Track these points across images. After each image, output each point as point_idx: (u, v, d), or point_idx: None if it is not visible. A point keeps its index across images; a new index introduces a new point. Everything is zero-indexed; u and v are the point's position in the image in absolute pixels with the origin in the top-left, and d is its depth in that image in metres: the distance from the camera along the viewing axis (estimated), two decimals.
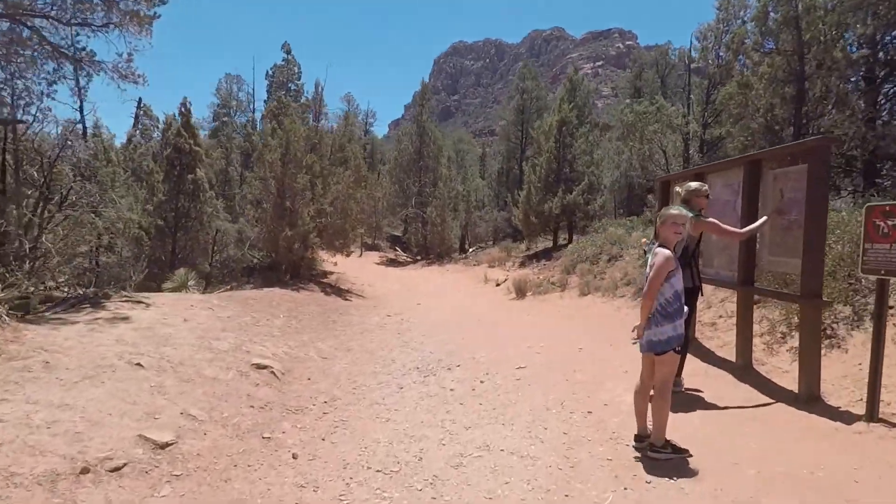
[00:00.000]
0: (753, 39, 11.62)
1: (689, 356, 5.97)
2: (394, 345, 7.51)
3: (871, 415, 3.69)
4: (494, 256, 21.42)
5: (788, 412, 4.18)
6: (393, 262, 27.98)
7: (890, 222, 3.55)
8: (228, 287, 11.47)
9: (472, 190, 31.09)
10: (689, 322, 4.86)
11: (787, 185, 4.69)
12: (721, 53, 16.67)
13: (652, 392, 3.61)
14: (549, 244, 20.06)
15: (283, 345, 6.62)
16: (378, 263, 27.76)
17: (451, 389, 5.33)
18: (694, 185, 4.75)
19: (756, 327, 5.86)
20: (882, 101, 11.26)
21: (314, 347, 6.92)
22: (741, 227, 5.19)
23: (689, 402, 4.61)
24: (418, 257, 27.71)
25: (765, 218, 4.61)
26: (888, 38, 11.58)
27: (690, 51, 18.01)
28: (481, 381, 5.58)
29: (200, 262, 14.22)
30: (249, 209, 12.53)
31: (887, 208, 3.57)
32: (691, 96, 17.40)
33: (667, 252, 3.46)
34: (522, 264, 18.08)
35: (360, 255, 30.89)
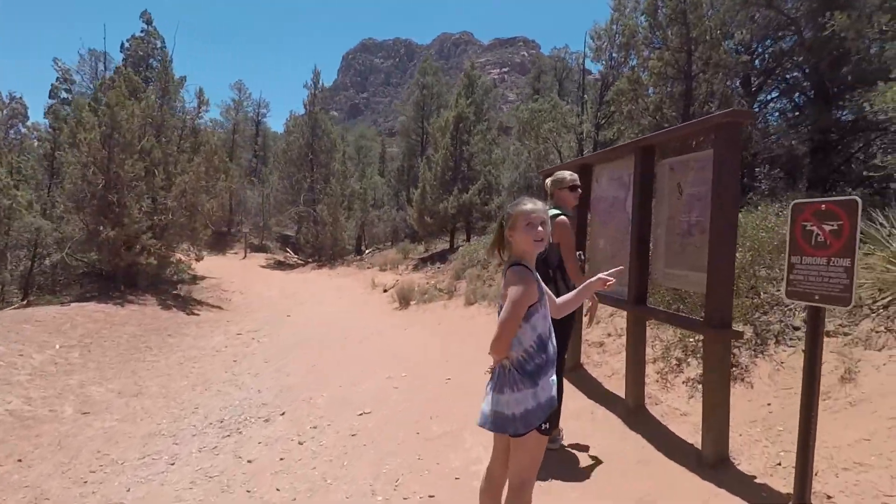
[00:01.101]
0: (644, 34, 11.14)
1: (573, 389, 4.84)
2: (215, 380, 5.74)
3: (802, 500, 2.63)
4: (389, 259, 19.93)
5: (691, 485, 3.06)
6: (281, 265, 25.54)
7: (828, 227, 2.49)
8: (24, 302, 8.89)
9: (370, 188, 29.31)
10: (560, 369, 3.66)
11: (686, 178, 3.63)
12: (615, 55, 16.48)
13: (505, 491, 2.29)
14: (447, 246, 18.95)
15: (22, 395, 4.61)
16: (263, 266, 25.17)
17: (249, 461, 3.73)
18: (559, 174, 3.58)
19: (648, 350, 4.85)
20: (756, 109, 11.23)
21: (80, 395, 4.97)
22: (631, 231, 4.10)
23: (568, 467, 3.40)
24: (310, 259, 25.50)
25: (620, 268, 3.41)
26: (761, 47, 11.62)
27: (585, 50, 17.69)
28: (301, 442, 4.03)
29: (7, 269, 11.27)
30: (67, 202, 9.94)
31: (823, 207, 2.52)
32: (585, 96, 17.06)
33: (524, 272, 2.16)
34: (416, 267, 16.75)
35: (244, 256, 27.95)
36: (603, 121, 16.39)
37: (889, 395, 3.24)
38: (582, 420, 4.22)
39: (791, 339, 4.18)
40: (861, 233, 5.28)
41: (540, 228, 2.21)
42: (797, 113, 8.54)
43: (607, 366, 5.18)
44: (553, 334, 2.26)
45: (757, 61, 11.78)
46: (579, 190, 3.58)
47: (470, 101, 20.79)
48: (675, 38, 10.74)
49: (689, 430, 3.78)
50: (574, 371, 5.22)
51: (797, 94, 9.58)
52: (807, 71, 8.64)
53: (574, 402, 4.52)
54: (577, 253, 3.79)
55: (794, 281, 2.67)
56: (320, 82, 26.01)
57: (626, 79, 11.10)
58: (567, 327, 3.50)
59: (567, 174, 3.60)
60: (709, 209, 3.27)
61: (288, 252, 28.59)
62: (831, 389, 3.57)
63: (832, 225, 2.48)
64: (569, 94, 25.55)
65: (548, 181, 3.70)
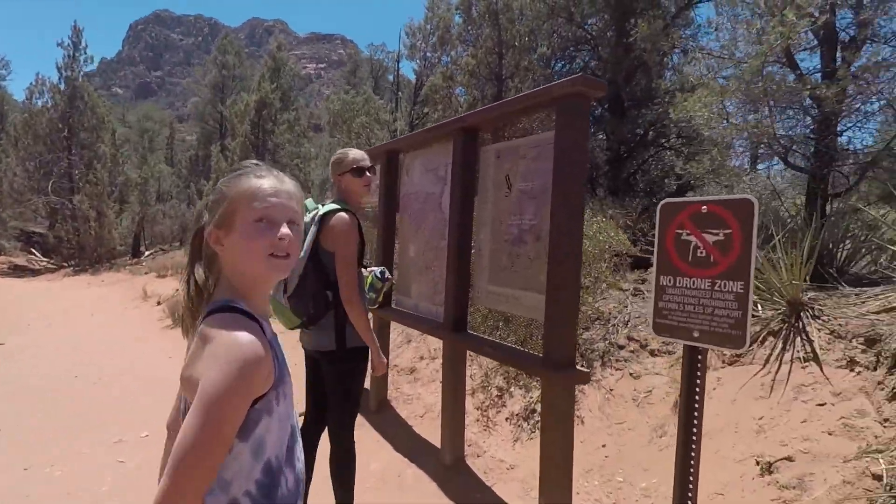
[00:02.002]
0: (458, 31, 10.78)
1: (379, 439, 3.75)
2: None
3: None
4: (174, 262, 16.65)
5: None
6: (20, 271, 19.85)
7: (711, 237, 1.78)
8: None
9: (154, 177, 24.70)
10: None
11: (517, 169, 2.80)
12: (429, 54, 16.16)
13: None
14: None
15: None
16: None
17: None
18: (340, 152, 2.48)
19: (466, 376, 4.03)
20: None
21: None
22: (448, 237, 3.16)
23: None
24: (67, 263, 20.27)
25: (374, 341, 2.43)
26: (563, 60, 12.25)
27: (400, 47, 17.09)
28: None
29: None
30: None
31: (704, 209, 1.81)
32: (399, 93, 16.42)
33: (240, 325, 0.95)
34: None
35: None
36: (417, 121, 15.94)
37: (726, 428, 2.83)
38: (388, 487, 3.15)
39: (618, 361, 3.71)
40: None
41: (285, 230, 1.03)
42: (596, 124, 8.88)
43: (419, 401, 4.22)
44: (298, 444, 1.10)
45: (556, 78, 12.37)
46: (369, 174, 2.47)
47: (276, 86, 18.66)
48: (487, 40, 10.58)
49: (518, 490, 2.98)
50: (380, 412, 4.14)
51: (595, 107, 10.10)
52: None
53: (379, 458, 3.43)
54: (374, 270, 2.69)
55: (664, 311, 1.93)
56: (82, 42, 20.86)
57: (441, 75, 10.59)
58: (351, 379, 2.37)
59: (352, 152, 2.47)
60: (547, 209, 2.45)
61: (34, 254, 22.47)
62: (665, 422, 3.09)
63: (717, 234, 1.78)
64: (384, 91, 24.90)
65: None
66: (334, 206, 2.33)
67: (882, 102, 4.76)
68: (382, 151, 4.22)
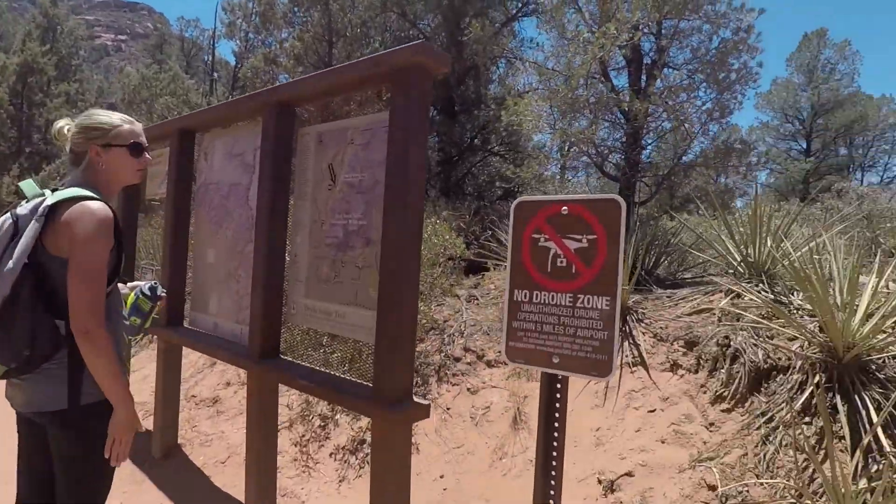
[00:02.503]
0: (283, 10, 9.78)
1: (164, 500, 2.89)
2: None
3: None
4: None
5: None
6: None
7: (573, 243, 1.49)
8: None
9: None
10: None
11: (343, 157, 2.28)
12: (251, 34, 14.62)
13: None
14: None
15: None
16: None
17: None
18: (98, 114, 1.72)
19: (280, 404, 3.41)
20: None
21: None
22: (256, 239, 2.50)
23: None
24: None
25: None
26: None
27: (216, 24, 15.19)
28: None
29: None
30: None
31: (565, 210, 1.52)
32: (215, 74, 14.58)
33: None
34: None
35: None
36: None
37: (570, 444, 2.70)
38: None
39: (454, 375, 3.42)
40: (498, 241, 5.16)
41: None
42: (430, 126, 8.77)
43: (222, 441, 3.41)
44: None
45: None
46: (147, 156, 1.74)
47: (49, 49, 15.17)
48: (317, 25, 9.79)
49: None
50: (168, 461, 3.24)
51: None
52: (437, 88, 8.97)
53: None
54: (141, 286, 1.95)
55: (518, 331, 1.60)
56: None
57: (263, 56, 9.50)
58: (93, 451, 1.61)
59: (116, 117, 1.71)
60: (379, 208, 1.99)
61: None
62: (505, 442, 2.86)
63: (580, 240, 1.50)
64: (197, 71, 22.06)
65: (70, 127, 1.71)
66: (75, 192, 1.54)
67: (673, 122, 5.34)
68: (175, 129, 3.33)
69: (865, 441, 1.82)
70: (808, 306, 2.58)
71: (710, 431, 2.26)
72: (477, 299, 4.29)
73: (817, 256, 3.01)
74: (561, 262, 1.52)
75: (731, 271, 3.51)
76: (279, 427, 2.95)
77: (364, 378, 2.49)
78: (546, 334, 1.54)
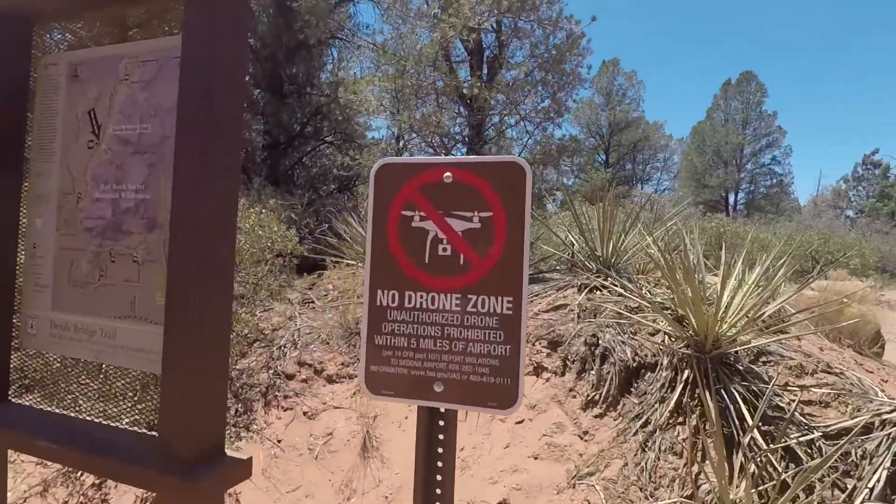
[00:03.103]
0: None
1: None
2: None
3: None
4: None
5: None
6: None
7: (461, 223, 1.07)
8: None
9: None
10: None
11: (112, 100, 1.54)
12: None
13: None
14: None
15: None
16: None
17: None
18: None
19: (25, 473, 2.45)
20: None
21: None
22: None
23: None
24: None
25: None
26: None
27: None
28: None
29: None
30: None
31: (448, 177, 1.09)
32: None
33: None
34: None
35: None
36: None
37: None
38: None
39: (287, 397, 2.79)
40: (337, 235, 4.60)
41: None
42: (251, 106, 7.72)
43: None
44: None
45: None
46: None
47: None
48: None
49: None
50: None
51: (254, 88, 8.90)
52: (263, 63, 7.97)
53: None
54: None
55: (381, 350, 1.12)
56: None
57: None
58: None
59: None
60: (168, 175, 1.34)
61: None
62: (353, 476, 2.35)
63: (470, 219, 1.08)
64: None
65: None
66: None
67: (516, 117, 5.36)
68: None
69: (746, 440, 1.75)
70: (666, 300, 2.58)
71: (585, 441, 2.06)
72: (313, 302, 3.69)
73: (675, 252, 3.09)
74: (444, 249, 1.09)
75: (578, 266, 3.49)
76: (28, 494, 2.04)
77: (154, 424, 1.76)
78: (424, 352, 1.09)
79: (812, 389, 2.01)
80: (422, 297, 1.10)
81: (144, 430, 1.48)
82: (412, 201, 1.11)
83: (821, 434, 1.87)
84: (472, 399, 1.07)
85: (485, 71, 5.26)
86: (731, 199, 36.18)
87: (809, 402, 2.01)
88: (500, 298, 1.05)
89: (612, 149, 30.32)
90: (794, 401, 1.96)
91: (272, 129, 7.15)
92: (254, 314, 3.32)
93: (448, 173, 1.09)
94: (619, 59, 35.74)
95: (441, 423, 1.12)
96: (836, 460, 1.73)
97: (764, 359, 2.22)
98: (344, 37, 7.53)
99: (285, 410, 2.73)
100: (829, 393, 1.99)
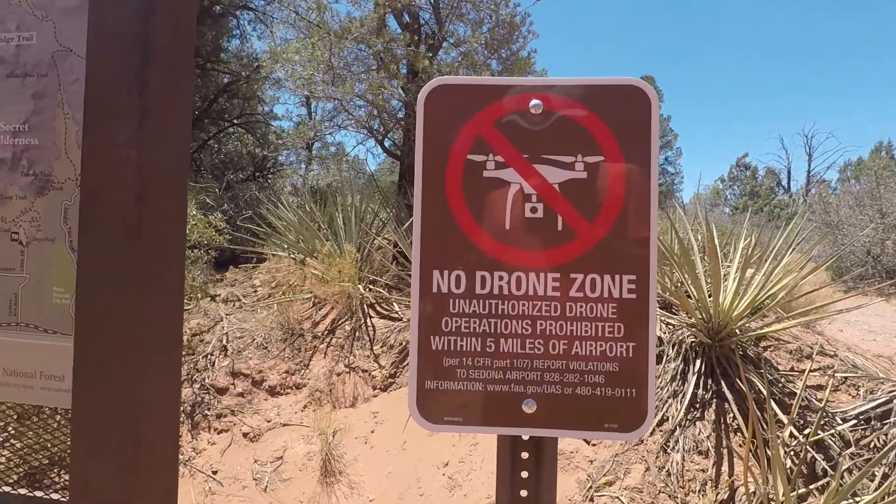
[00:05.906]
0: None
1: None
2: None
3: None
4: None
5: None
6: None
7: (560, 171, 0.74)
8: None
9: None
10: None
11: None
12: None
13: None
14: None
15: None
16: None
17: None
18: None
19: None
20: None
21: None
22: None
23: None
24: None
25: None
26: None
27: None
28: None
29: None
30: None
31: (536, 105, 0.75)
32: None
33: None
34: None
35: None
36: None
37: (395, 498, 1.93)
38: None
39: (220, 416, 2.28)
40: (272, 227, 4.05)
41: None
42: None
43: None
44: None
45: None
46: None
47: None
48: None
49: None
50: None
51: None
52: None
53: None
54: None
55: (442, 358, 0.77)
56: None
57: None
58: None
59: None
60: (71, 111, 0.88)
61: None
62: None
63: (570, 166, 0.76)
64: None
65: None
66: None
67: None
68: None
69: (786, 433, 1.60)
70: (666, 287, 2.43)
71: (593, 446, 1.82)
72: (240, 300, 3.15)
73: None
74: (533, 209, 0.76)
75: None
76: None
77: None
78: (507, 357, 0.75)
79: (816, 374, 1.95)
80: (502, 278, 0.75)
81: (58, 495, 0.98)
82: (485, 141, 0.76)
83: (842, 419, 1.80)
84: (578, 421, 0.75)
85: (423, 49, 4.92)
86: None
87: (820, 387, 1.95)
88: (617, 278, 0.74)
89: None
90: (810, 386, 1.88)
91: None
92: None
93: (536, 100, 0.76)
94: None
95: (525, 455, 0.79)
96: (859, 447, 1.65)
97: (764, 343, 2.15)
98: (256, 6, 6.79)
99: (219, 433, 2.23)
100: (838, 377, 1.94)
